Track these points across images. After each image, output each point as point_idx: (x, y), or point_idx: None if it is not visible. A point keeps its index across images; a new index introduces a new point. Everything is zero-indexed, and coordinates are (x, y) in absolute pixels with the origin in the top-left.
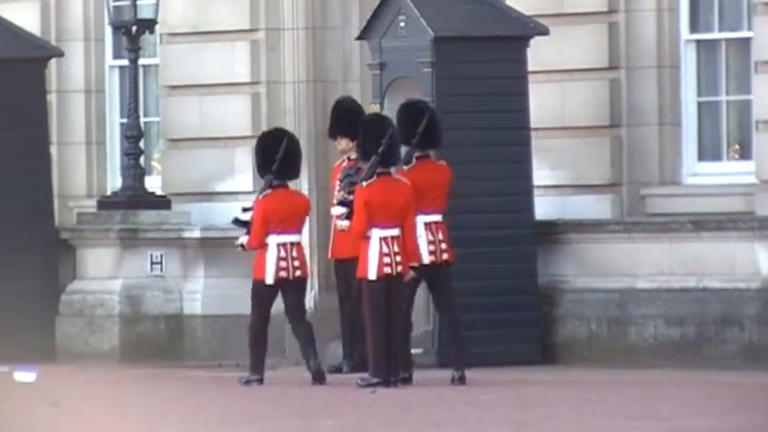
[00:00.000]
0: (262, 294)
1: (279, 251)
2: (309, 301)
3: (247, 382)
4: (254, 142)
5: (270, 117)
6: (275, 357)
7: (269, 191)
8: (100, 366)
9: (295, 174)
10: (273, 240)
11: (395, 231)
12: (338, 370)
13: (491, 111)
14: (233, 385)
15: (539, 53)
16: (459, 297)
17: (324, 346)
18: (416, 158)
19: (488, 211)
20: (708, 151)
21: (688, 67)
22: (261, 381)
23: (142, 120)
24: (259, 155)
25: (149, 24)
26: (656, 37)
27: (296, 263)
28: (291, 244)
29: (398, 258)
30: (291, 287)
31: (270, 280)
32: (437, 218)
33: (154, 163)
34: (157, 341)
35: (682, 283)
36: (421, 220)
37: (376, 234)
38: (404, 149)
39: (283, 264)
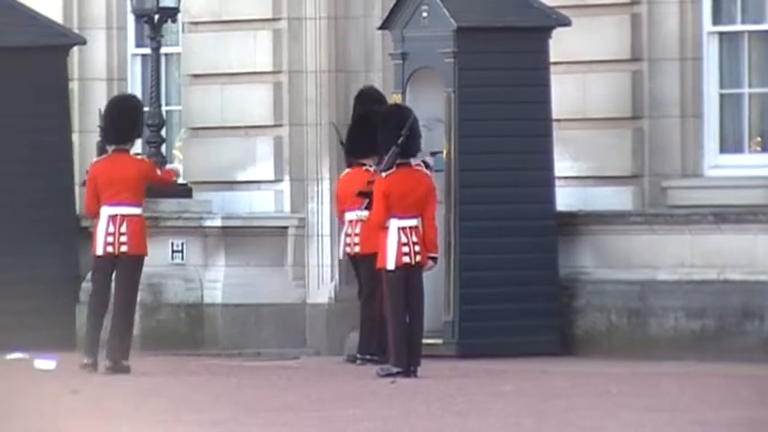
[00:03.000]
0: (94, 268)
1: (108, 225)
2: (330, 291)
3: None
4: (276, 132)
5: (291, 106)
6: (296, 347)
7: (103, 156)
8: None
9: (127, 138)
10: (105, 212)
11: (413, 222)
12: (356, 360)
13: (513, 101)
14: (252, 374)
15: (561, 44)
16: (479, 287)
17: (344, 336)
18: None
19: (509, 201)
20: (729, 143)
21: (710, 60)
22: (94, 365)
23: (164, 108)
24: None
25: (171, 13)
26: (678, 29)
27: (123, 238)
28: (123, 216)
29: (417, 248)
30: (119, 264)
31: (99, 252)
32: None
33: (175, 151)
34: (177, 329)
35: (702, 275)
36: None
37: (394, 224)
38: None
39: (110, 239)
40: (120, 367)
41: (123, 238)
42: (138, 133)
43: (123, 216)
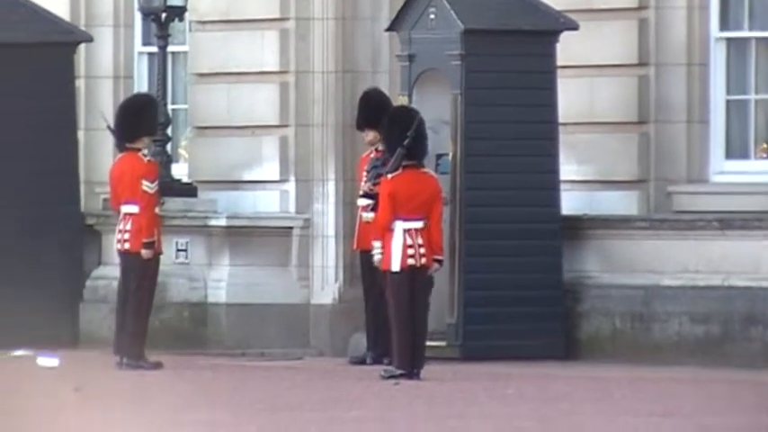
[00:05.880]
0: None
1: (120, 223)
2: (334, 292)
3: None
4: (282, 132)
5: (298, 106)
6: (300, 348)
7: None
8: None
9: (130, 136)
10: (122, 210)
11: (419, 224)
12: (362, 361)
13: (519, 104)
14: (256, 374)
15: (568, 48)
16: (484, 290)
17: (347, 337)
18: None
19: (514, 204)
20: (735, 149)
21: (717, 65)
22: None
23: (170, 107)
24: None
25: (179, 11)
26: (685, 34)
27: (126, 235)
28: (128, 215)
29: (422, 250)
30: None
31: (115, 248)
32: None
33: (181, 150)
34: (181, 329)
35: (707, 281)
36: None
37: (400, 226)
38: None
39: (119, 236)
40: (136, 365)
41: (127, 236)
42: (144, 131)
43: (128, 214)
